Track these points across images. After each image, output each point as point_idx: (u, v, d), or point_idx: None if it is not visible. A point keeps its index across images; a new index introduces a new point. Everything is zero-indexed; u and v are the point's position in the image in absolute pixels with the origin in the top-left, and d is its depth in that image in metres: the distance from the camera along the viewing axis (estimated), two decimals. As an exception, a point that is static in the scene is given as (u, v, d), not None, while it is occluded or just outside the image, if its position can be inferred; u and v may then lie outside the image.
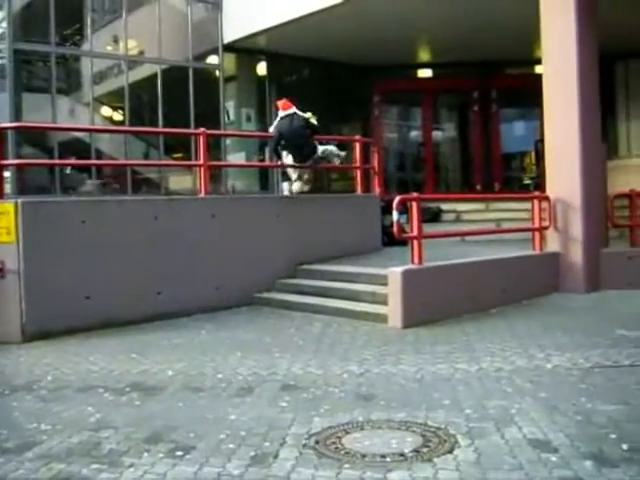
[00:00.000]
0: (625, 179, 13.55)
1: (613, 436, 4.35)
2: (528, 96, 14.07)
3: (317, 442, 4.38)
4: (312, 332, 8.03)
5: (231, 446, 4.35)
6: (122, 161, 14.42)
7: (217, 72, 15.67)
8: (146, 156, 15.47)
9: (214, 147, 14.47)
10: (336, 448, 4.28)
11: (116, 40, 14.96)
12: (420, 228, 8.65)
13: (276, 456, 4.17)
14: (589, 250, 10.21)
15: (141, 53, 15.34)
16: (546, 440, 4.31)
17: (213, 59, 15.72)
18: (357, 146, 12.20)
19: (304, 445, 4.34)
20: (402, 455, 4.13)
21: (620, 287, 10.16)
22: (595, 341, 7.15)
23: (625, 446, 4.16)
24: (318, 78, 17.31)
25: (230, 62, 16.25)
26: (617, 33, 14.03)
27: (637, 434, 4.38)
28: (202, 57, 15.71)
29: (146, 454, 4.25)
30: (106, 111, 15.68)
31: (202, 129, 10.40)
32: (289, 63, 16.80)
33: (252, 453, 4.22)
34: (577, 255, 10.18)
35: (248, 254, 9.94)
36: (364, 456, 4.14)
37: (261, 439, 4.45)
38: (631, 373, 5.95)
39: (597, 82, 10.54)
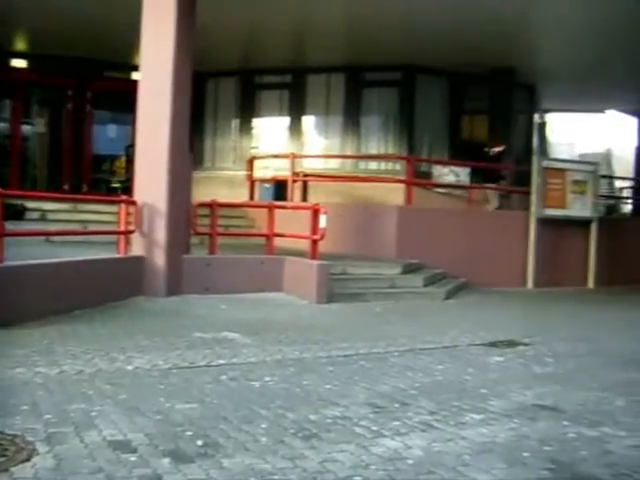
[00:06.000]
0: (209, 190, 14.34)
1: (189, 433, 4.58)
2: (123, 101, 14.15)
3: None
4: None
5: None
6: None
7: None
8: None
9: None
10: None
11: None
12: (1, 226, 8.23)
13: None
14: (172, 255, 10.60)
15: None
16: (126, 441, 4.38)
17: None
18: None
19: None
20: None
21: (199, 292, 10.72)
22: (174, 343, 7.44)
23: (200, 442, 4.41)
24: None
25: None
26: (211, 51, 14.85)
27: (210, 430, 4.66)
28: None
29: None
30: None
31: None
32: None
33: None
34: (160, 260, 10.50)
35: None
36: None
37: None
38: (206, 373, 6.30)
39: (189, 96, 11.01)
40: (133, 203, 10.51)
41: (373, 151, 17.97)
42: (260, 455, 4.22)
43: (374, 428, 4.85)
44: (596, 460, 4.37)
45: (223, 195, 14.58)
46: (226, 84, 18.88)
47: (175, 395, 5.50)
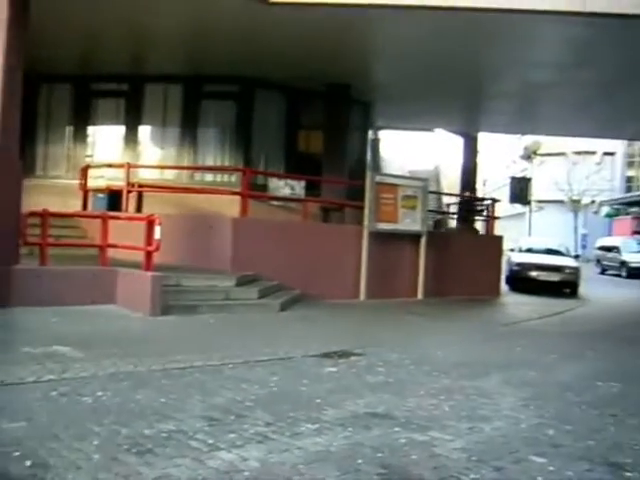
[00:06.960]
0: (41, 199, 13.75)
1: (17, 453, 4.39)
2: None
3: None
4: None
5: None
6: None
7: None
8: None
9: None
10: None
11: None
12: None
13: None
14: (-1, 267, 10.14)
15: None
16: (-53, 463, 4.17)
17: None
18: None
19: None
20: None
21: (29, 304, 10.25)
22: (1, 358, 7.11)
23: (28, 462, 4.25)
24: None
25: None
26: (45, 54, 14.33)
27: (40, 449, 4.50)
28: None
29: None
30: None
31: None
32: None
33: None
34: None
35: None
36: None
37: None
38: (35, 389, 6.07)
39: (20, 99, 10.58)
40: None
41: (210, 163, 17.95)
42: (92, 473, 4.13)
43: (210, 441, 4.86)
44: (425, 463, 4.59)
45: (55, 204, 14.00)
46: (60, 89, 18.27)
47: (1, 414, 5.26)
